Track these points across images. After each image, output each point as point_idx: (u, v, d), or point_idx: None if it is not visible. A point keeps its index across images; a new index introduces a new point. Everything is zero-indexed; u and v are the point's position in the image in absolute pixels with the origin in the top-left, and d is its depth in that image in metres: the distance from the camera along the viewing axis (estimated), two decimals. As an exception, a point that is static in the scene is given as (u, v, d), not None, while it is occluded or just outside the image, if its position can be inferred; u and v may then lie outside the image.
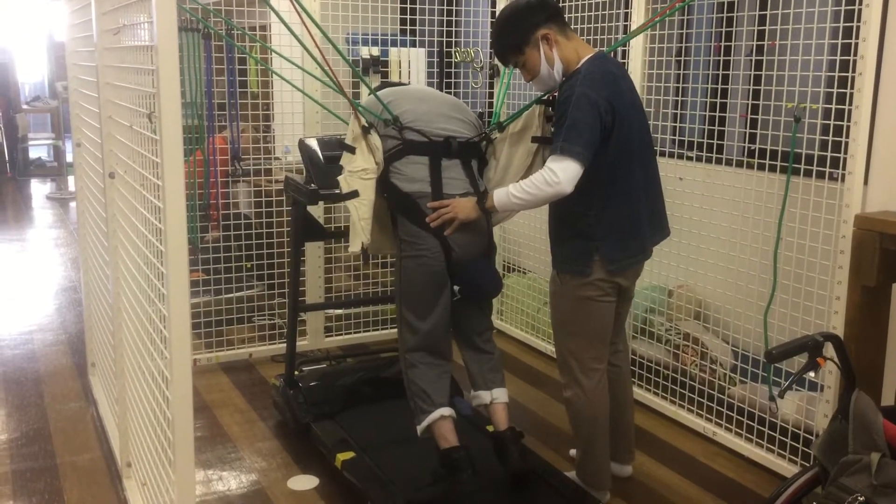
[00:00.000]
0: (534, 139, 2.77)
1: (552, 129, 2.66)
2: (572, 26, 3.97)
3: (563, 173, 2.40)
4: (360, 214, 2.67)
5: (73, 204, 8.14)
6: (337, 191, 2.72)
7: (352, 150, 2.72)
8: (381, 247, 2.94)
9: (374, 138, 2.72)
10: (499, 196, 2.57)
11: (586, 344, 2.68)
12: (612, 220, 2.57)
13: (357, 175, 2.68)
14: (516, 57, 2.64)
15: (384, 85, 3.13)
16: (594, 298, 2.63)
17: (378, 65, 4.41)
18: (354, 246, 2.69)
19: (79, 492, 2.91)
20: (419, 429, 2.72)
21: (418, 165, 2.70)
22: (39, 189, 9.63)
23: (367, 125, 2.72)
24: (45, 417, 3.49)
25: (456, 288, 2.71)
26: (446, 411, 2.70)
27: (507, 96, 3.29)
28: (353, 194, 2.67)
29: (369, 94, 2.84)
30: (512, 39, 2.62)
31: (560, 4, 4.15)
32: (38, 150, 11.07)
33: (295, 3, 2.58)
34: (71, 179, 8.66)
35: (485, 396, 2.82)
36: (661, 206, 2.76)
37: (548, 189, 2.43)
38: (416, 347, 2.73)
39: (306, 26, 2.64)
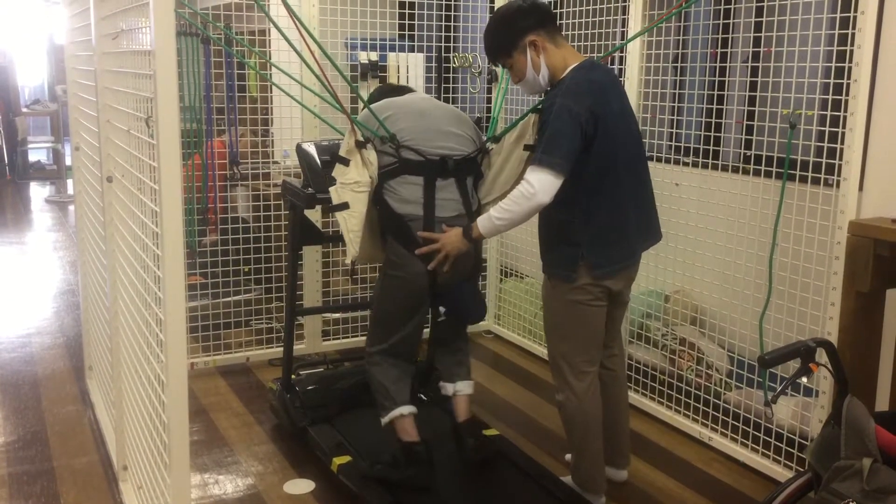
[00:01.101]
0: (526, 147, 2.77)
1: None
2: (570, 33, 4.01)
3: (538, 184, 2.43)
4: (348, 227, 2.68)
5: (71, 207, 8.14)
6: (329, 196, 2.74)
7: (345, 161, 2.71)
8: (373, 258, 2.93)
9: (370, 153, 2.71)
10: (483, 223, 2.59)
11: (578, 347, 2.69)
12: (597, 227, 2.59)
13: (349, 187, 2.69)
14: (504, 59, 2.68)
15: (383, 90, 3.11)
16: (584, 303, 2.64)
17: (377, 69, 4.43)
18: (350, 257, 2.73)
19: (75, 495, 2.91)
20: (382, 422, 2.83)
21: (413, 186, 2.68)
22: (38, 192, 9.64)
23: (362, 139, 2.71)
24: (43, 421, 3.50)
25: (442, 309, 2.82)
26: (406, 410, 2.80)
27: (506, 102, 3.30)
28: (343, 206, 2.68)
29: (364, 109, 2.82)
30: (500, 43, 2.65)
31: (557, 11, 4.17)
32: (38, 153, 11.08)
33: (293, 16, 2.58)
34: (70, 183, 8.68)
35: (448, 388, 2.97)
36: (651, 211, 2.77)
37: (525, 203, 2.46)
38: (380, 351, 2.84)
39: (303, 37, 2.64)
